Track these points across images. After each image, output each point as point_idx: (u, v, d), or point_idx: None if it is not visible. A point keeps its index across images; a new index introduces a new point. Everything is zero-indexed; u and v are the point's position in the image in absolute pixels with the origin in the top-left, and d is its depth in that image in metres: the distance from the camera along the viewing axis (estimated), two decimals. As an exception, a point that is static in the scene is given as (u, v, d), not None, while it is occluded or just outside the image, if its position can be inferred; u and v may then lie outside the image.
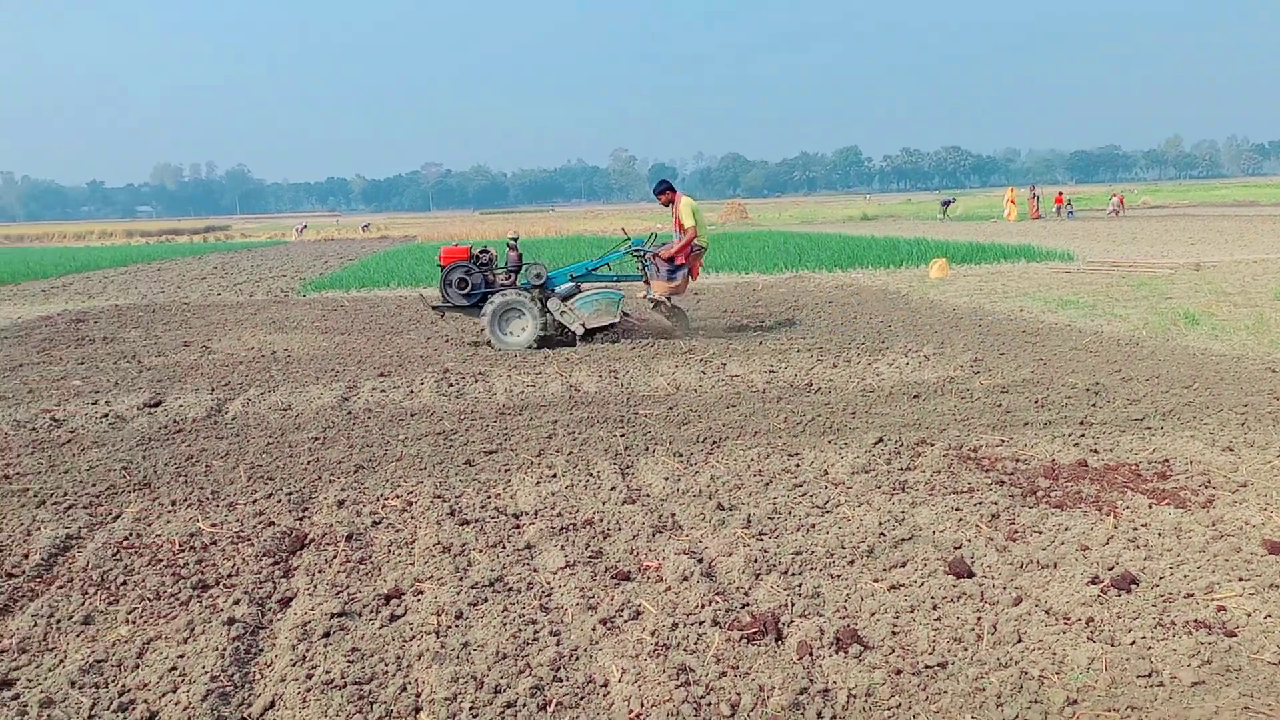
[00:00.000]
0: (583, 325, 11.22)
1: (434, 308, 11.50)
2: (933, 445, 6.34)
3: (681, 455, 6.39)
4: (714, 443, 6.68)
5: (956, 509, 5.09)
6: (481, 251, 11.38)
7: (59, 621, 4.10)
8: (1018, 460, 6.02)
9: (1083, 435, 6.53)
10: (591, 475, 6.02)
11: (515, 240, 11.79)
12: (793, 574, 4.34)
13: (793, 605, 3.98)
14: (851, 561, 4.47)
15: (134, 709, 3.36)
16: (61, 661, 3.74)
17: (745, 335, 11.75)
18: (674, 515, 5.22)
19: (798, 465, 6.07)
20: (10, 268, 29.36)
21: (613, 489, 5.68)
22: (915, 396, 7.90)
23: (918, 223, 45.65)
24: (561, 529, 5.03)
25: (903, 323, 12.32)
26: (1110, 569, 4.22)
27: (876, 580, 4.25)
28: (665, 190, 11.80)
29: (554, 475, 6.04)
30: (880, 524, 4.90)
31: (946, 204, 54.35)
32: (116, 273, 28.74)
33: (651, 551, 4.68)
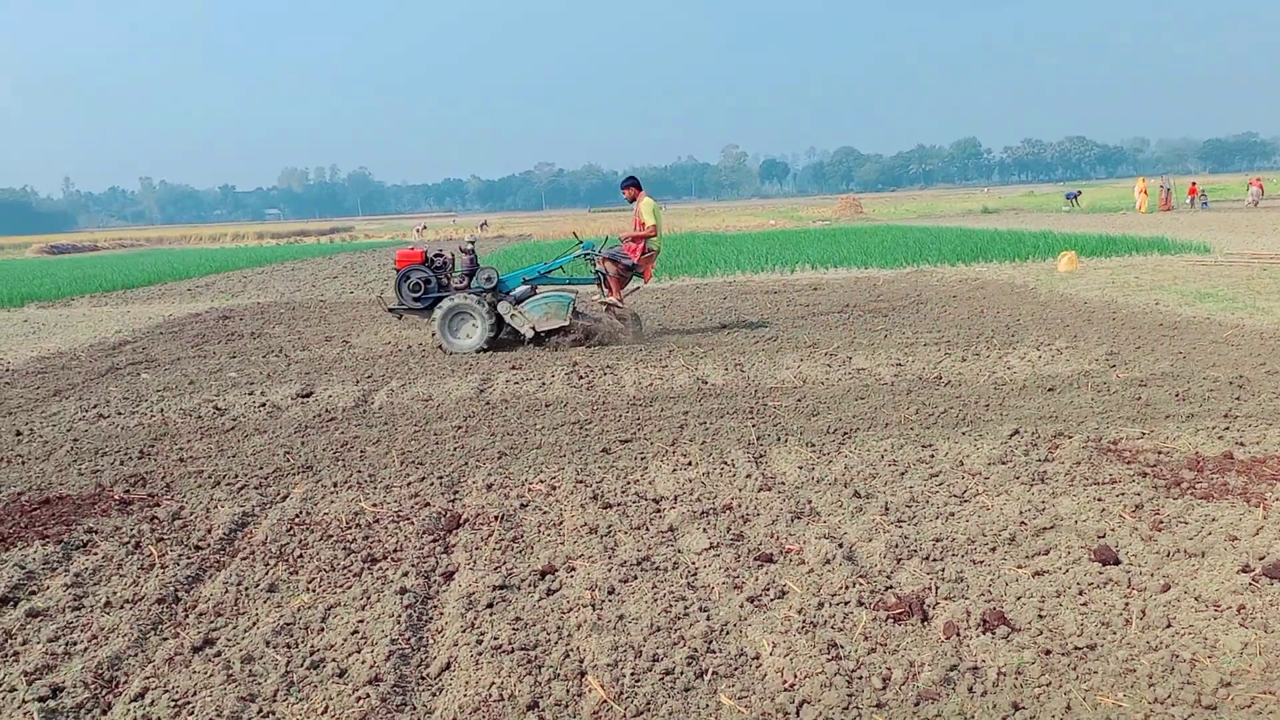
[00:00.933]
0: (533, 328, 11.35)
1: (390, 310, 11.66)
2: (1070, 437, 6.29)
3: (814, 445, 6.50)
4: (845, 433, 6.76)
5: (1099, 499, 5.08)
6: (436, 255, 11.58)
7: (247, 589, 4.47)
8: (1160, 453, 5.93)
9: (1227, 428, 6.39)
10: (726, 463, 6.18)
11: (472, 244, 11.91)
12: (935, 559, 4.42)
13: (937, 589, 4.07)
14: (993, 548, 4.52)
15: (325, 666, 3.68)
16: (255, 624, 4.09)
17: (868, 330, 11.73)
18: (810, 502, 5.34)
19: (932, 456, 6.11)
20: (156, 268, 31.14)
21: (748, 476, 5.83)
22: (1049, 390, 7.82)
23: (1042, 215, 44.36)
24: (702, 513, 5.21)
25: (1032, 316, 12.10)
26: (1261, 559, 4.17)
27: (1020, 566, 4.30)
28: (632, 186, 11.99)
29: (689, 463, 6.22)
30: (1020, 513, 4.93)
31: (1072, 197, 52.64)
32: (254, 272, 30.17)
33: (791, 536, 4.81)
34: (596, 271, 11.97)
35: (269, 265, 34.30)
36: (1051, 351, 9.46)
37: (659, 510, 5.35)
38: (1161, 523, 4.73)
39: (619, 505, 5.43)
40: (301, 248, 51.41)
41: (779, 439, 6.71)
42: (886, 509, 5.13)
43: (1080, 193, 56.35)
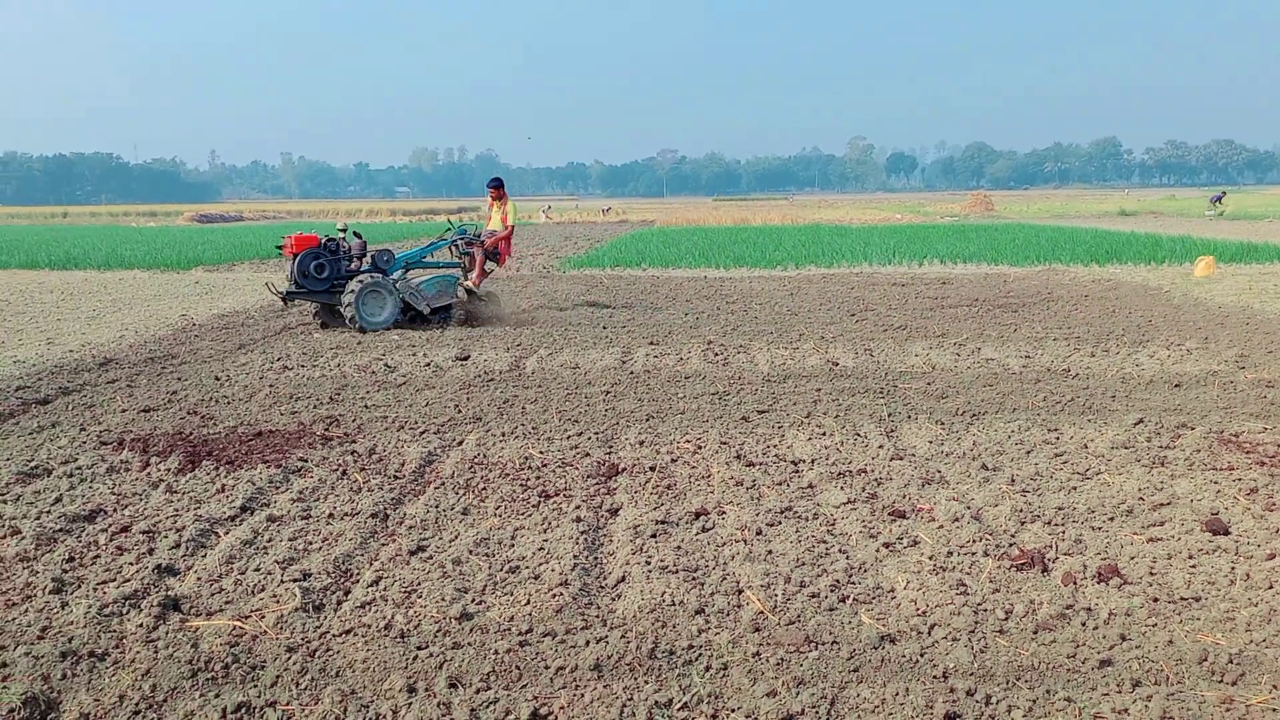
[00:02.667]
0: (428, 305, 12.16)
1: (284, 295, 11.92)
2: (1193, 429, 6.59)
3: (943, 424, 6.94)
4: (973, 415, 7.18)
5: (1215, 483, 5.42)
6: (329, 240, 11.94)
7: (444, 511, 5.21)
8: (1281, 447, 6.19)
9: (1354, 430, 6.58)
10: (859, 435, 6.68)
11: (346, 229, 12.44)
12: (1056, 524, 4.87)
13: (1057, 546, 4.53)
14: (1111, 518, 4.94)
15: (520, 571, 4.37)
16: (456, 538, 4.82)
17: (997, 324, 11.98)
18: (940, 472, 5.81)
19: (1057, 438, 6.49)
20: (305, 239, 32.96)
21: (880, 447, 6.33)
22: (1176, 385, 8.05)
23: (1182, 220, 42.88)
24: (838, 474, 5.74)
25: (1164, 318, 12.16)
26: (1371, 542, 4.49)
27: (1135, 534, 4.71)
28: (500, 187, 13.51)
29: (824, 434, 6.74)
30: (1139, 490, 5.32)
31: (1217, 200, 50.60)
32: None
33: (922, 497, 5.31)
34: (463, 254, 13.14)
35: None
36: (1181, 351, 9.62)
37: (797, 470, 5.90)
38: (1274, 505, 5.05)
39: (760, 464, 6.01)
40: (433, 225, 53.25)
41: (909, 416, 7.18)
42: (1012, 480, 5.57)
43: (1225, 195, 54.04)
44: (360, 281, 11.62)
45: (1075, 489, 5.42)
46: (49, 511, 5.20)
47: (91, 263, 23.35)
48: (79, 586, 4.22)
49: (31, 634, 3.75)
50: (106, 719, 3.18)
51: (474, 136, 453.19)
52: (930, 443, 6.44)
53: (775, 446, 6.44)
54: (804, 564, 4.40)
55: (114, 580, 4.28)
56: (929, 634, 3.71)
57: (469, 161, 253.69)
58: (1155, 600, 3.91)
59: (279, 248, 11.80)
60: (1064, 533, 4.72)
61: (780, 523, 4.97)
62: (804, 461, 6.06)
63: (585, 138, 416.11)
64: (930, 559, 4.43)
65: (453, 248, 13.31)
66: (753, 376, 8.81)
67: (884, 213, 56.29)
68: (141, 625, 3.81)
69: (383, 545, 4.75)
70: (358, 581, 4.29)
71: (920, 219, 48.45)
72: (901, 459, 6.09)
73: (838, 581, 4.18)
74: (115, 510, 5.25)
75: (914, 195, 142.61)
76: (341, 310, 11.67)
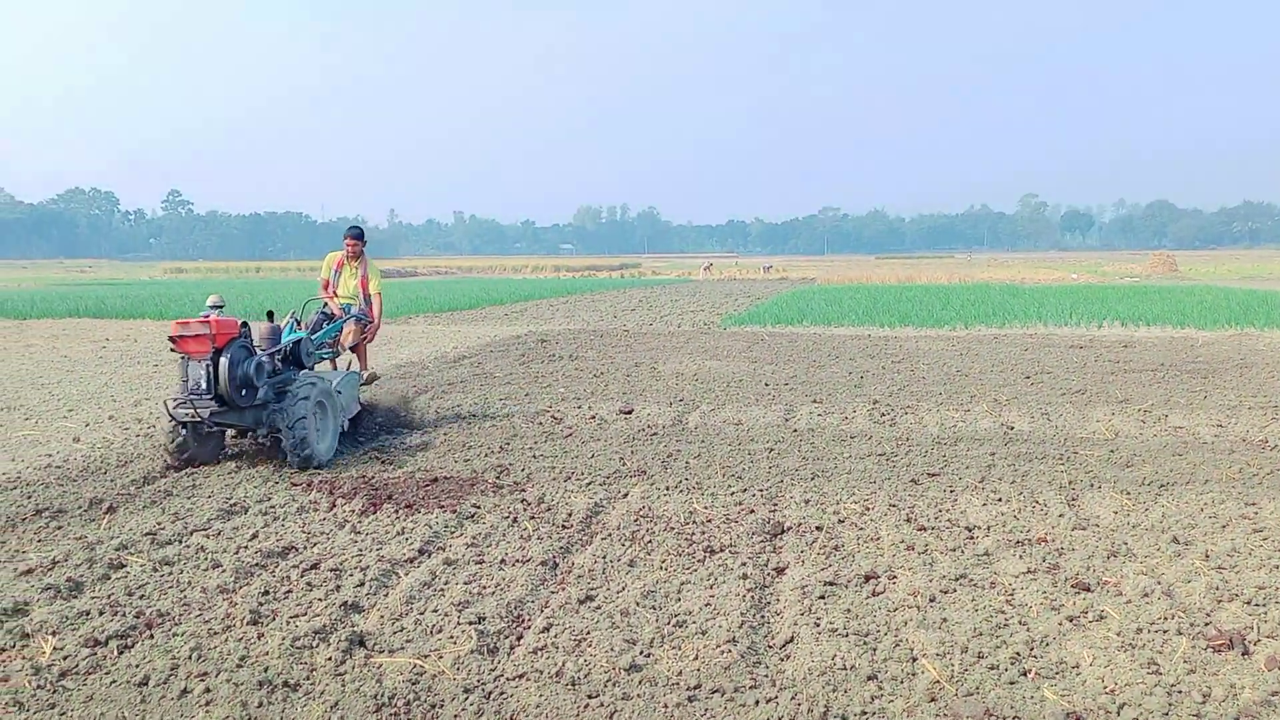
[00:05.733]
0: (346, 418, 8.59)
1: (203, 420, 7.35)
2: None
3: (1129, 494, 6.59)
4: (1162, 485, 6.78)
5: None
6: (242, 325, 7.60)
7: (611, 562, 5.28)
8: None
9: None
10: (1038, 503, 6.41)
11: (221, 306, 7.68)
12: (1256, 604, 4.53)
13: (1258, 628, 4.21)
14: (1322, 602, 4.56)
15: (687, 625, 4.38)
16: (624, 589, 4.87)
17: (1185, 390, 11.30)
18: (1126, 544, 5.51)
19: (1255, 513, 6.06)
20: (475, 295, 34.30)
21: (1060, 516, 6.06)
22: (1394, 461, 7.40)
23: (1394, 281, 39.54)
24: (1016, 543, 5.52)
25: (1376, 387, 11.20)
26: None
27: (1353, 621, 4.33)
28: (359, 238, 10.10)
29: (1000, 499, 6.50)
30: (1356, 573, 4.89)
31: None
32: (559, 301, 32.56)
33: (1108, 570, 5.04)
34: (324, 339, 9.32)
35: (569, 296, 36.80)
36: (1400, 424, 8.83)
37: (972, 537, 5.70)
38: None
39: (932, 529, 5.84)
40: (595, 281, 54.50)
41: (1091, 485, 6.84)
42: (1207, 556, 5.22)
43: None
44: (309, 386, 7.68)
45: (1277, 567, 5.04)
46: (246, 547, 5.55)
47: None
48: (273, 619, 4.48)
49: (231, 662, 4.00)
50: (299, 746, 3.35)
51: (637, 195, 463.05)
52: (1115, 513, 6.12)
53: (947, 511, 6.25)
54: (981, 634, 4.24)
55: (305, 614, 4.52)
56: (1118, 714, 3.51)
57: (631, 219, 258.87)
58: (1380, 694, 3.58)
59: (174, 339, 7.26)
60: (1266, 613, 4.38)
61: (955, 590, 4.81)
62: (979, 528, 5.85)
63: (746, 195, 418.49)
64: (1118, 635, 4.20)
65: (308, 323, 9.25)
66: (921, 438, 8.60)
67: (1058, 272, 54.17)
68: (330, 659, 4.00)
69: (553, 593, 4.85)
70: (529, 627, 4.39)
71: (1098, 279, 46.38)
72: (1084, 529, 5.81)
73: (1018, 654, 4.01)
74: (305, 548, 5.56)
75: (1090, 254, 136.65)
76: (286, 437, 7.40)
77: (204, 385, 7.28)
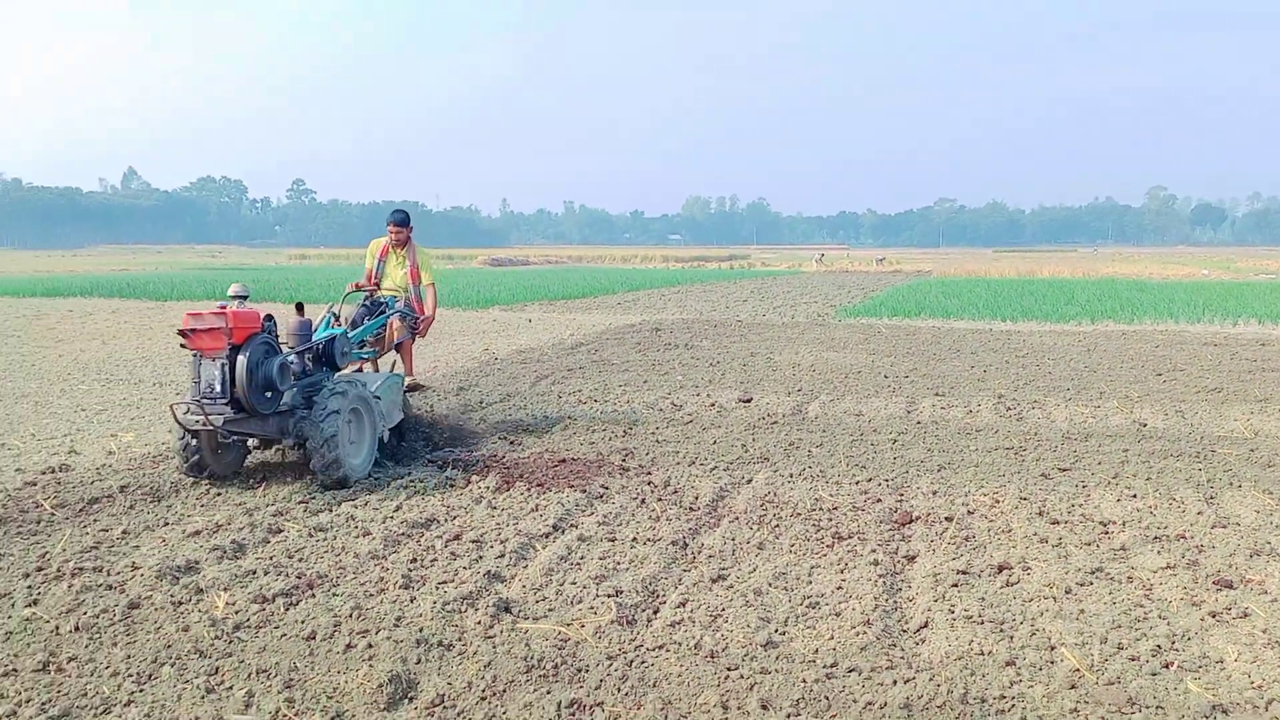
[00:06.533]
0: (387, 426, 7.38)
1: (219, 426, 6.30)
2: None
3: (1271, 493, 6.38)
4: (1309, 486, 6.55)
5: None
6: (267, 318, 6.65)
7: (740, 544, 5.39)
8: None
9: None
10: (1174, 499, 6.26)
11: (246, 294, 6.70)
12: None
13: None
14: None
15: (820, 607, 4.45)
16: (754, 570, 4.97)
17: (1331, 390, 10.80)
18: (1270, 544, 5.34)
19: None
20: (584, 284, 34.76)
21: (1199, 513, 5.91)
22: None
23: None
24: (1153, 538, 5.42)
25: None
26: None
27: None
28: (405, 224, 8.97)
29: (1134, 495, 6.37)
30: None
31: None
32: (670, 291, 32.73)
33: (1251, 568, 4.92)
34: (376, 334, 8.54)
35: (679, 286, 36.93)
36: None
37: (1106, 531, 5.62)
38: None
39: (1065, 523, 5.77)
40: (705, 272, 54.51)
41: (1230, 483, 6.64)
42: (1361, 559, 5.04)
43: None
44: (339, 394, 6.63)
45: None
46: (392, 517, 5.85)
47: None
48: (423, 584, 4.73)
49: (389, 621, 4.24)
50: (458, 700, 3.56)
51: (746, 186, 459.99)
52: (1257, 512, 5.94)
53: (1080, 506, 6.16)
54: (1120, 626, 4.20)
55: (452, 581, 4.76)
56: (1265, 709, 3.46)
57: (740, 210, 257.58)
58: None
59: (184, 334, 6.26)
60: None
61: (1091, 583, 4.76)
62: (1114, 523, 5.76)
63: (858, 186, 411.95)
64: (1264, 632, 4.11)
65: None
66: (1050, 433, 8.44)
67: (1188, 268, 51.92)
68: (479, 623, 4.22)
69: (685, 571, 4.98)
70: (665, 602, 4.53)
71: (1232, 275, 44.29)
72: (1224, 527, 5.66)
73: (1159, 647, 3.97)
74: (446, 520, 5.82)
75: (1223, 250, 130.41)
76: (313, 450, 6.44)
77: (218, 388, 6.24)
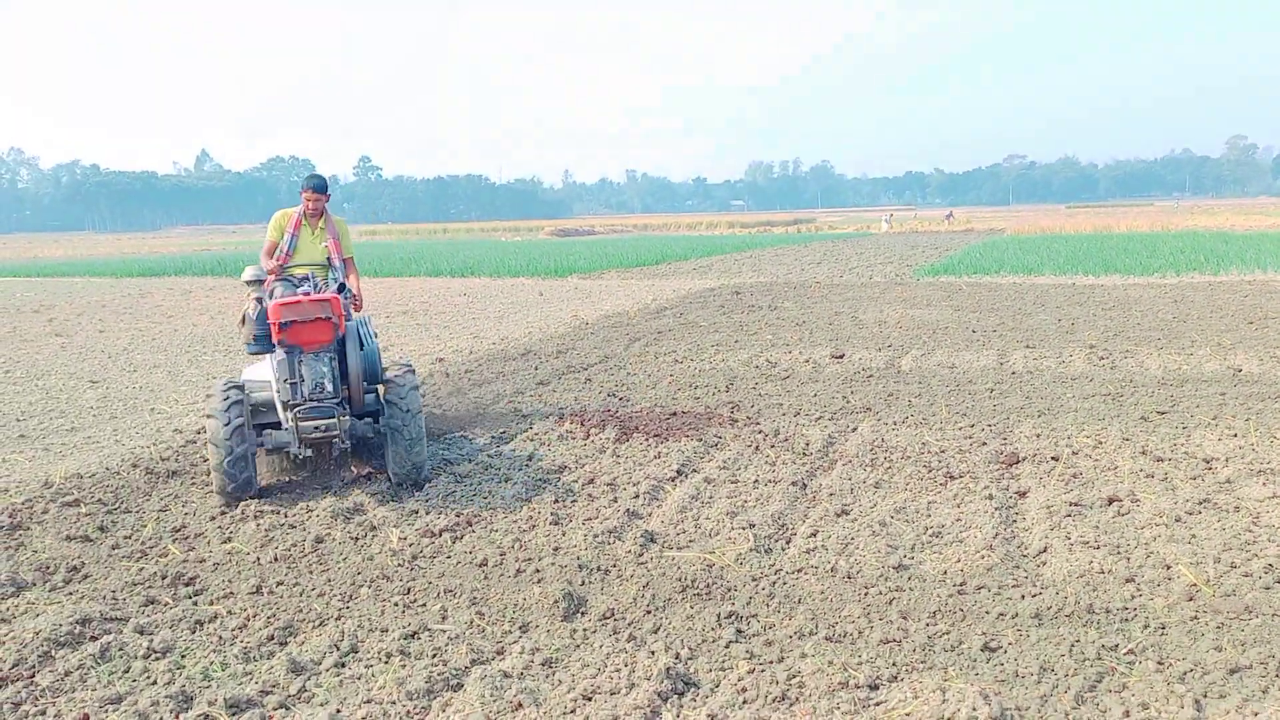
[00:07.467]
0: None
1: (342, 436, 5.65)
2: None
3: (1375, 430, 6.52)
4: None
5: None
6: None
7: (856, 484, 5.73)
8: None
9: None
10: (1276, 438, 6.44)
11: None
12: None
13: None
14: None
15: (943, 536, 4.79)
16: (874, 505, 5.32)
17: None
18: (1376, 476, 5.53)
19: None
20: (655, 251, 35.04)
21: (1302, 450, 6.09)
22: None
23: None
24: (1257, 472, 5.63)
25: None
26: None
27: None
28: (323, 191, 6.83)
29: (1235, 435, 6.56)
30: None
31: None
32: (743, 256, 32.90)
33: (1359, 498, 5.13)
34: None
35: (750, 251, 37.02)
36: None
37: (1210, 467, 5.84)
38: None
39: (1169, 460, 6.00)
40: (772, 237, 54.39)
41: (1333, 423, 6.79)
42: None
43: None
44: (415, 389, 5.92)
45: None
46: (526, 465, 6.30)
47: (484, 271, 26.36)
48: (570, 521, 5.16)
49: (548, 550, 4.69)
50: (626, 614, 3.98)
51: (810, 149, 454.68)
52: (1362, 449, 6.10)
53: (1182, 444, 6.37)
54: (1231, 548, 4.47)
55: (596, 518, 5.18)
56: (1382, 619, 3.72)
57: (803, 174, 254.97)
58: None
59: (281, 327, 5.52)
60: None
61: (1200, 512, 5.02)
62: (1217, 459, 5.97)
63: (925, 145, 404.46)
64: (1375, 554, 4.35)
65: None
66: (1145, 380, 8.61)
67: (1272, 218, 50.40)
68: (630, 551, 4.63)
69: (809, 507, 5.35)
70: (795, 534, 4.90)
71: (1320, 224, 42.97)
72: (1329, 462, 5.85)
73: (1270, 565, 4.23)
74: (577, 467, 6.26)
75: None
76: (400, 449, 5.80)
77: (329, 386, 5.56)
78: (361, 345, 6.03)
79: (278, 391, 5.70)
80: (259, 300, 6.00)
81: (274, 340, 5.57)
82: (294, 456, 5.99)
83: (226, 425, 5.47)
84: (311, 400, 5.52)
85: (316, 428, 5.50)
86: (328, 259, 6.74)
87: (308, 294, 5.66)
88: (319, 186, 6.95)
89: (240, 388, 5.72)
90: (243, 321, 6.01)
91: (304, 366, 5.58)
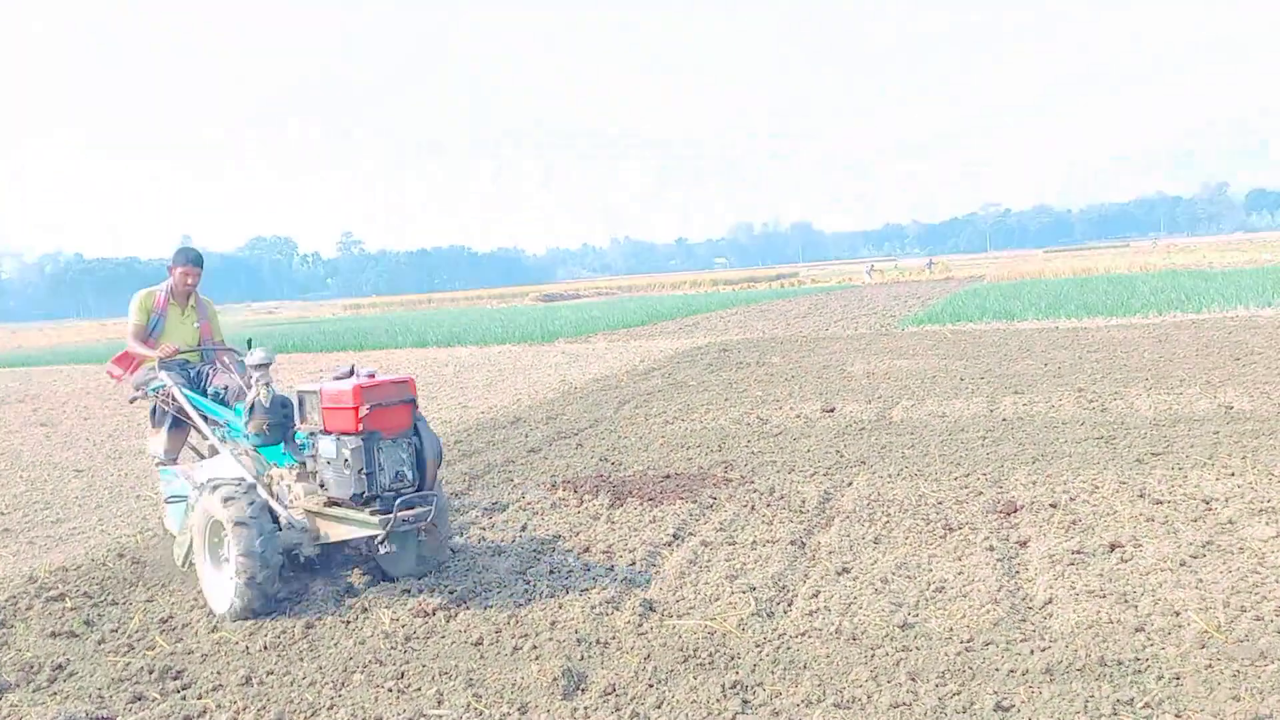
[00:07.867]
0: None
1: (427, 526, 5.25)
2: None
3: (1371, 463, 6.49)
4: (1407, 454, 6.64)
5: None
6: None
7: (855, 540, 5.65)
8: None
9: None
10: (1274, 476, 6.40)
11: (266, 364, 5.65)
12: None
13: None
14: None
15: (947, 590, 4.71)
16: (875, 562, 5.23)
17: None
18: (1377, 509, 5.49)
19: None
20: (641, 312, 35.15)
21: (1301, 486, 6.05)
22: None
23: None
24: (1259, 511, 5.59)
25: None
26: None
27: None
28: (200, 264, 6.64)
29: (1232, 473, 6.52)
30: None
31: None
32: (728, 313, 33.03)
33: (1362, 533, 5.07)
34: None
35: (736, 308, 37.20)
36: None
37: (1210, 508, 5.79)
38: None
39: (1168, 502, 5.95)
40: (757, 293, 54.64)
41: (1328, 457, 6.76)
42: None
43: None
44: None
45: None
46: (519, 536, 6.20)
47: (470, 340, 26.33)
48: (566, 592, 5.05)
49: (545, 625, 4.58)
50: (627, 689, 3.87)
51: (790, 205, 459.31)
52: (1360, 482, 6.07)
53: (1180, 485, 6.33)
54: (1239, 591, 4.40)
55: (593, 588, 5.08)
56: (1398, 658, 3.65)
57: (784, 230, 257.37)
58: None
59: (365, 412, 4.96)
60: None
61: (1204, 555, 4.95)
62: (1217, 499, 5.92)
63: (902, 197, 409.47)
64: (1385, 590, 4.29)
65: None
66: (1136, 421, 8.58)
67: (1249, 254, 51.03)
68: (629, 622, 4.53)
69: (809, 567, 5.26)
70: (796, 595, 4.81)
71: (1295, 257, 43.52)
72: (1329, 498, 5.80)
73: (1281, 608, 4.17)
74: (571, 535, 6.16)
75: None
76: (437, 533, 5.46)
77: (409, 474, 5.16)
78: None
79: (332, 484, 5.10)
80: (265, 386, 5.47)
81: (355, 427, 4.94)
82: (300, 558, 5.43)
83: (261, 536, 4.85)
84: (390, 490, 5.02)
85: (417, 517, 5.02)
86: (199, 342, 6.36)
87: (371, 375, 5.14)
88: (197, 260, 6.56)
89: (254, 486, 5.25)
90: (251, 410, 5.49)
91: (383, 453, 5.06)
